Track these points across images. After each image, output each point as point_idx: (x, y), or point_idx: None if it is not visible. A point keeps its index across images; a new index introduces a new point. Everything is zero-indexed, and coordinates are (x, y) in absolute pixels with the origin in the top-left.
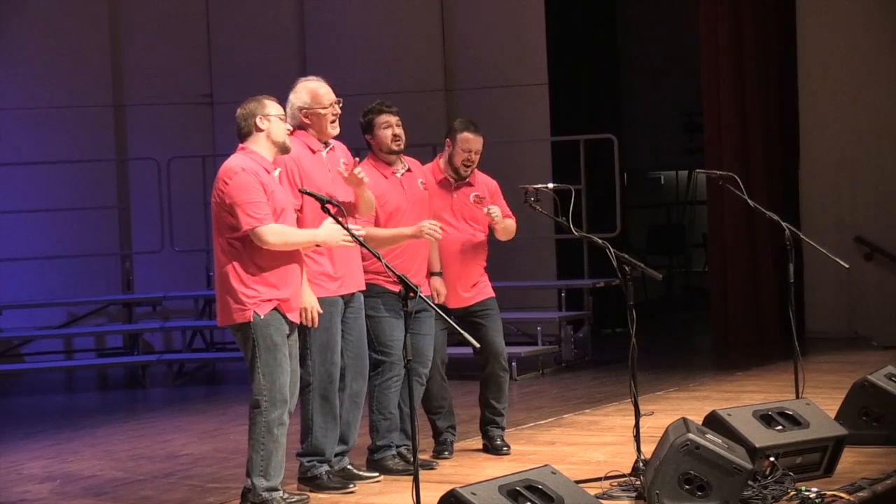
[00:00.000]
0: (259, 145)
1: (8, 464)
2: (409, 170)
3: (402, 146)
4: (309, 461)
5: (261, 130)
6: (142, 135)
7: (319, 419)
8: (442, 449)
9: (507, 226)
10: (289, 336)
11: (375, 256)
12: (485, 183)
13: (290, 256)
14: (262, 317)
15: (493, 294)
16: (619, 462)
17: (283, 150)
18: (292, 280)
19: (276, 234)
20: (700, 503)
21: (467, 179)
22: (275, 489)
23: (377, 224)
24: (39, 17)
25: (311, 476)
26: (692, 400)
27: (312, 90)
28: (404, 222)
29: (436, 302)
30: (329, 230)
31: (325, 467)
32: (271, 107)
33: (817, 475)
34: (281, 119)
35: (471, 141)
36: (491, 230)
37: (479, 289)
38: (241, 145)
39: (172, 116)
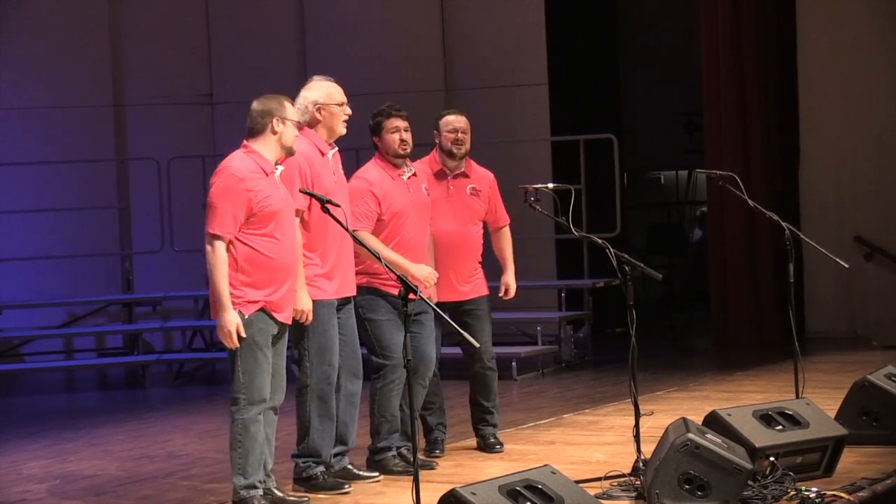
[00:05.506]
0: (266, 146)
1: (8, 464)
2: (414, 174)
3: (409, 151)
4: (304, 462)
5: (275, 133)
6: (142, 135)
7: (316, 421)
8: (433, 448)
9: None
10: (276, 336)
11: (375, 257)
12: (483, 176)
13: (281, 257)
14: (247, 317)
15: (486, 292)
16: (619, 462)
17: (289, 154)
18: (281, 280)
19: (217, 255)
20: (700, 503)
21: (463, 171)
22: (253, 486)
23: (380, 222)
24: (39, 17)
25: (307, 476)
26: (692, 400)
27: (328, 88)
28: (407, 225)
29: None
30: None
31: (321, 468)
32: (289, 110)
33: (817, 475)
34: (294, 125)
35: (452, 121)
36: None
37: (473, 284)
38: (245, 142)
39: (172, 116)
